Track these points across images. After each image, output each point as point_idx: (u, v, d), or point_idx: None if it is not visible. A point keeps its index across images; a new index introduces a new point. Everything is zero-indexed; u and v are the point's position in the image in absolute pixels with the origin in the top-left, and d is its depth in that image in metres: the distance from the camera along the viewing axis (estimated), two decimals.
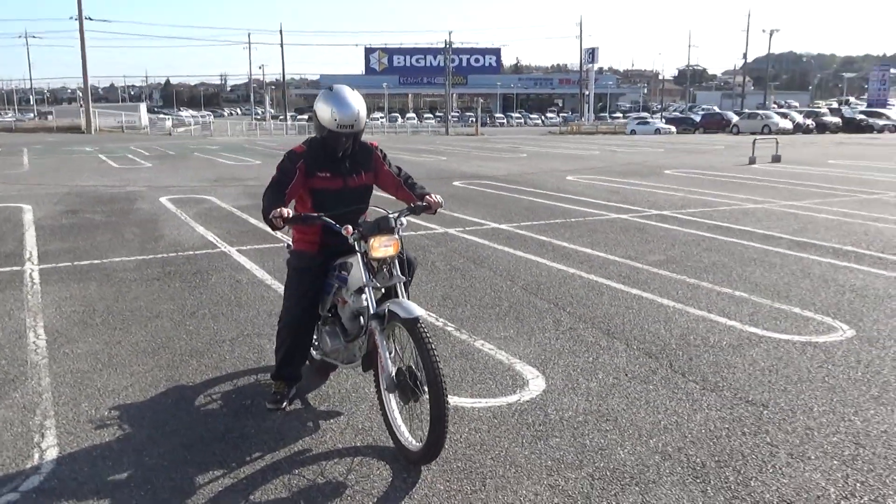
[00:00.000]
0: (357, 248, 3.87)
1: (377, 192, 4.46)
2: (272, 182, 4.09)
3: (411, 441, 3.75)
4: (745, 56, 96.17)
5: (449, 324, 5.95)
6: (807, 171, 19.34)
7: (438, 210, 4.25)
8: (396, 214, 3.93)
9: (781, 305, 6.41)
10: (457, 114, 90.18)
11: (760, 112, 56.07)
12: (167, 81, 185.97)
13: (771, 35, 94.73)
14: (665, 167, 21.10)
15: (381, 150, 4.43)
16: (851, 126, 51.51)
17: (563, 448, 3.86)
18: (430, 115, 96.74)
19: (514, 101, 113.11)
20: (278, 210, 3.80)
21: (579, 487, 3.46)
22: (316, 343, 4.58)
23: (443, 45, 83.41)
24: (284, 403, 4.36)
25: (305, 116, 79.97)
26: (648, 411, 4.30)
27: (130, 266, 8.13)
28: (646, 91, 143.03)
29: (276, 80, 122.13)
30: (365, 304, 4.06)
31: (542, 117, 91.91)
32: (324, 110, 4.01)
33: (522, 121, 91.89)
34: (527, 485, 3.49)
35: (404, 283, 3.91)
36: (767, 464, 3.68)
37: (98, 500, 3.40)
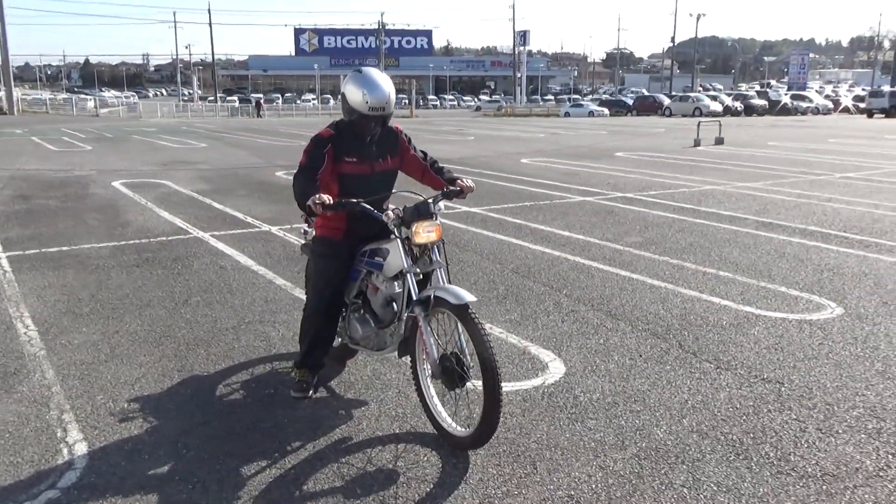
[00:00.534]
0: (397, 234, 3.82)
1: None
2: (302, 168, 4.00)
3: (455, 426, 3.74)
4: (673, 40, 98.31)
5: None
6: (751, 153, 19.91)
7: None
8: (432, 200, 3.90)
9: (767, 284, 6.61)
10: None
11: (691, 95, 57.41)
12: (86, 61, 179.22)
13: (698, 19, 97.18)
14: (614, 150, 21.44)
15: (406, 134, 4.38)
16: (777, 109, 53.25)
17: (601, 429, 3.91)
18: None
19: (447, 83, 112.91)
20: (318, 196, 3.72)
21: (629, 468, 3.52)
22: (339, 330, 4.52)
23: (374, 27, 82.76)
24: (311, 392, 4.31)
25: (235, 98, 78.40)
26: (672, 391, 4.39)
27: (104, 253, 7.86)
28: (576, 74, 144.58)
29: (202, 60, 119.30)
30: (398, 290, 4.04)
31: (476, 99, 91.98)
32: (354, 93, 3.93)
33: (456, 103, 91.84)
34: (576, 466, 3.53)
35: (446, 269, 3.89)
36: (800, 439, 3.80)
37: (146, 495, 3.30)
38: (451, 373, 3.61)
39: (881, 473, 3.48)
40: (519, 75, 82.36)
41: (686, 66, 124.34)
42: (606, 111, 56.70)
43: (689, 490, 3.32)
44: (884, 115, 47.20)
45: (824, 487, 3.35)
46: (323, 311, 4.22)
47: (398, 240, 3.84)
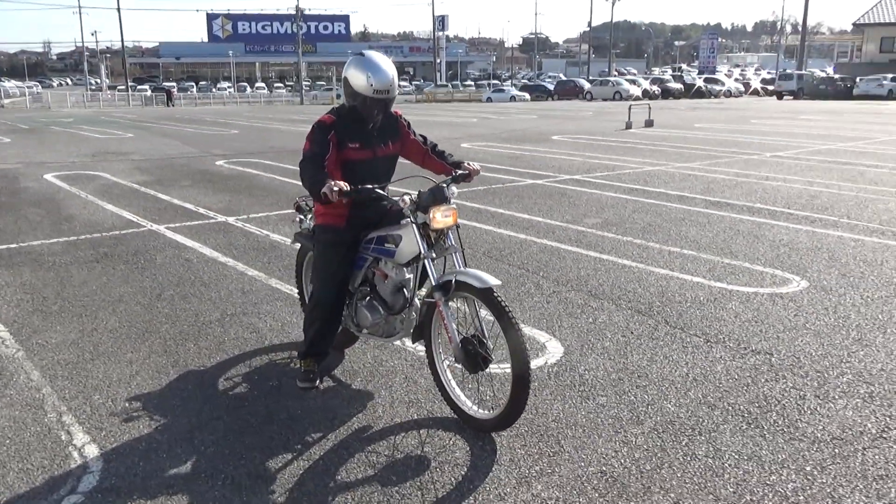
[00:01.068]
0: (413, 219, 3.80)
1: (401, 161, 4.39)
2: (308, 156, 3.93)
3: (476, 409, 3.77)
4: (589, 25, 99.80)
5: None
6: (681, 134, 20.48)
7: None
8: (445, 184, 3.89)
9: (731, 261, 6.84)
10: (308, 82, 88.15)
11: (611, 79, 58.52)
12: None
13: (613, 4, 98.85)
14: (550, 133, 21.71)
15: (405, 119, 4.35)
16: (693, 92, 54.86)
17: (614, 406, 4.00)
18: (281, 85, 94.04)
19: None
20: (335, 183, 3.66)
21: (651, 442, 3.61)
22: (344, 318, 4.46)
23: (289, 12, 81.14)
24: (318, 381, 4.25)
25: (147, 87, 75.70)
26: (671, 366, 4.52)
27: (57, 249, 7.54)
28: (494, 59, 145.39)
29: (108, 47, 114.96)
30: (408, 276, 4.03)
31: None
32: (358, 77, 3.88)
33: None
34: (600, 443, 3.61)
35: (461, 252, 3.90)
36: (803, 406, 3.98)
37: (174, 495, 3.22)
38: (473, 357, 3.62)
39: (884, 435, 3.67)
40: (438, 61, 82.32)
41: (601, 51, 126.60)
42: (527, 96, 57.20)
43: (713, 460, 3.44)
44: (792, 97, 49.26)
45: (837, 451, 3.52)
46: (331, 300, 4.16)
47: (412, 225, 3.81)
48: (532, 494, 3.19)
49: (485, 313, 3.68)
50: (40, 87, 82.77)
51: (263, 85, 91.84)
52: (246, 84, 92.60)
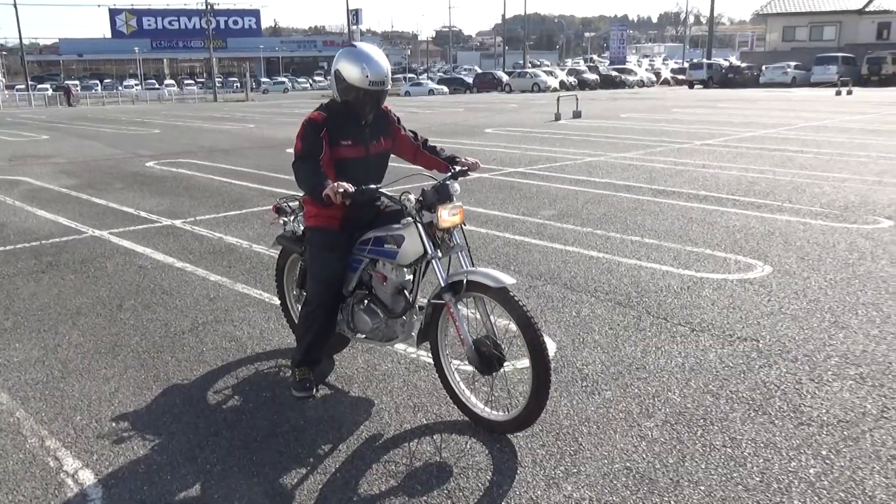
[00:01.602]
0: (417, 218, 3.69)
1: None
2: (302, 156, 3.77)
3: (489, 411, 3.69)
4: (503, 17, 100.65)
5: None
6: (610, 125, 20.83)
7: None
8: (447, 182, 3.80)
9: (693, 248, 6.95)
10: (219, 79, 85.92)
11: (529, 71, 59.15)
12: None
13: None
14: (481, 126, 21.74)
15: (395, 114, 4.24)
16: (608, 82, 56.03)
17: (621, 399, 3.99)
18: (191, 81, 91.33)
19: (279, 64, 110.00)
20: (338, 185, 3.52)
21: (667, 434, 3.61)
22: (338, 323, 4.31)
23: (196, 7, 78.93)
24: (314, 390, 4.09)
25: (48, 86, 72.28)
26: (665, 356, 4.54)
27: None
28: (408, 53, 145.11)
29: (2, 45, 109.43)
30: (408, 278, 3.92)
31: (311, 81, 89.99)
32: (352, 69, 3.74)
33: (290, 85, 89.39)
34: (617, 438, 3.58)
35: (468, 251, 3.81)
36: (802, 390, 4.05)
37: None
38: (487, 358, 3.54)
39: (885, 416, 3.77)
40: None
41: (514, 43, 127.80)
42: (446, 89, 57.23)
43: (732, 450, 3.45)
44: (703, 86, 50.80)
45: (846, 433, 3.59)
46: (328, 305, 4.01)
47: (416, 224, 3.71)
48: (564, 496, 3.13)
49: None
50: None
51: (173, 82, 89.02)
52: (154, 81, 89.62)
